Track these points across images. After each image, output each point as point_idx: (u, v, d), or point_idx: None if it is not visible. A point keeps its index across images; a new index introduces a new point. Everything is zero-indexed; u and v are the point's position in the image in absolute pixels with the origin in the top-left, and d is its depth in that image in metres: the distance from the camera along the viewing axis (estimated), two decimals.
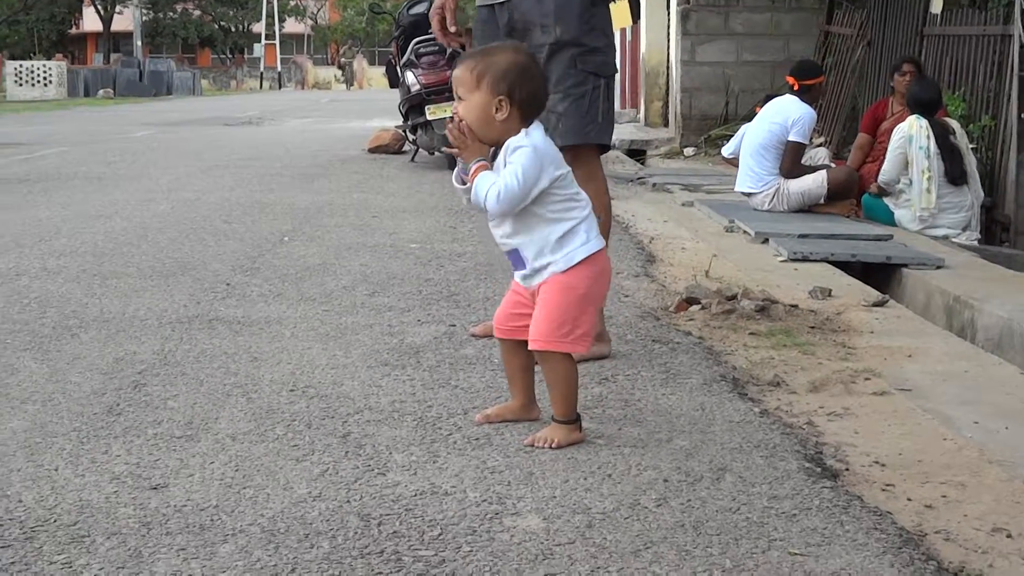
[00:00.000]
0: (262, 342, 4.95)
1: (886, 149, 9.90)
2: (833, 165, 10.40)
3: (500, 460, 3.51)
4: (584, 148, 4.81)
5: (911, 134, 9.36)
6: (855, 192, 9.97)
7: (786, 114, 9.86)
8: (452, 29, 5.06)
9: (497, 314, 3.88)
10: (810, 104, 9.96)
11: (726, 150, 11.39)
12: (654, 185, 12.10)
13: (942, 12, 12.09)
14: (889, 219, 9.47)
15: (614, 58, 4.96)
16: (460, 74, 3.73)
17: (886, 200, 9.60)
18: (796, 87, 9.98)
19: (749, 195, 9.96)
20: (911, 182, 9.35)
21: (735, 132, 12.06)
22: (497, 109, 3.67)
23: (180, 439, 3.67)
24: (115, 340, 4.96)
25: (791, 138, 9.81)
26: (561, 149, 4.49)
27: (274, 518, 3.04)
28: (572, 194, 3.75)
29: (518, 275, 3.80)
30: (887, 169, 9.51)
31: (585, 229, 3.74)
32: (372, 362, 4.63)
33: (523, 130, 3.70)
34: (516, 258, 3.78)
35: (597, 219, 3.88)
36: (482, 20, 4.96)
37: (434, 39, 5.24)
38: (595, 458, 3.55)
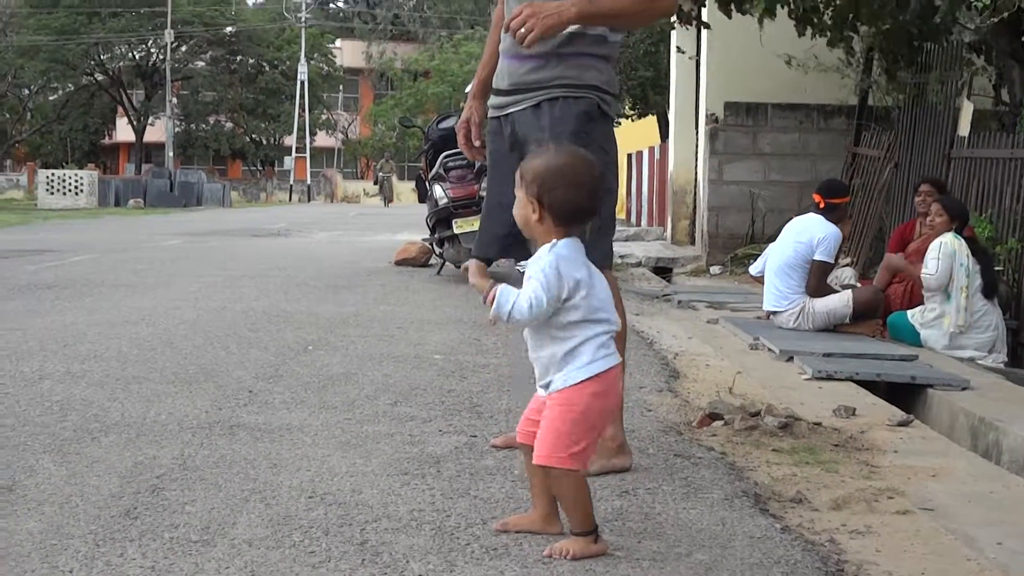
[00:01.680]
0: (282, 449, 4.94)
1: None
2: (859, 285, 10.40)
3: (518, 571, 3.48)
4: None
5: (954, 249, 9.29)
6: (880, 312, 9.94)
7: (811, 233, 9.88)
8: (477, 144, 5.11)
9: (521, 419, 3.89)
10: (835, 223, 9.97)
11: (754, 269, 11.39)
12: (679, 302, 12.10)
13: (969, 135, 12.14)
14: (915, 340, 9.43)
15: (615, 174, 4.93)
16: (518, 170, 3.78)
17: (912, 320, 9.55)
18: (822, 205, 10.01)
19: (774, 314, 9.95)
20: (949, 297, 9.29)
21: (762, 251, 12.08)
22: (533, 211, 3.69)
23: (196, 543, 3.65)
24: (135, 444, 4.95)
25: (817, 257, 9.82)
26: None
27: None
28: (588, 311, 3.73)
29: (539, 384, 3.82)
30: (940, 275, 9.30)
31: (593, 347, 3.72)
32: (392, 471, 4.61)
33: (553, 240, 3.71)
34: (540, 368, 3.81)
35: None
36: (492, 130, 4.99)
37: (462, 153, 5.26)
38: (614, 571, 3.52)
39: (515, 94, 4.81)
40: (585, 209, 3.75)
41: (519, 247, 4.80)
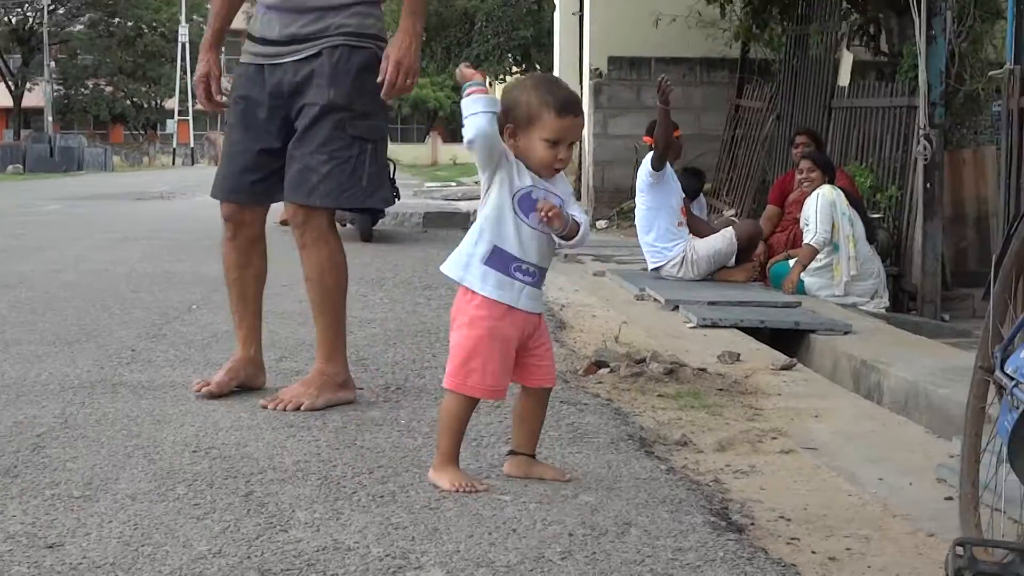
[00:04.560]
0: (166, 405, 4.88)
1: (794, 219, 10.00)
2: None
3: (405, 516, 3.48)
4: (315, 212, 4.88)
5: (833, 199, 9.37)
6: (757, 246, 10.04)
7: (642, 171, 10.03)
8: (218, 98, 5.11)
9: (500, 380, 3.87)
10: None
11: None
12: (565, 256, 12.12)
13: (849, 85, 12.28)
14: (799, 288, 9.53)
15: (386, 121, 5.01)
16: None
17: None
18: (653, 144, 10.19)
19: (658, 268, 9.96)
20: (837, 248, 9.37)
21: None
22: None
23: (78, 499, 3.60)
24: (15, 405, 4.86)
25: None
26: (296, 210, 4.86)
27: (172, 574, 2.98)
28: None
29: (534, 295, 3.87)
30: (824, 229, 9.35)
31: None
32: (277, 424, 4.58)
33: None
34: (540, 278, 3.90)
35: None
36: (247, 76, 4.97)
37: None
38: (500, 514, 3.52)
39: (291, 44, 4.84)
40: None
41: (268, 192, 4.99)
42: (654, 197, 9.94)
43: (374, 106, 4.86)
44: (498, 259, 3.79)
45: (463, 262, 3.82)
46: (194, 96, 5.23)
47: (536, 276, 3.83)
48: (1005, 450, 2.61)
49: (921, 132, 10.04)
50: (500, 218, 3.79)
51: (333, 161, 4.78)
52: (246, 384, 5.13)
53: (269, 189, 5.00)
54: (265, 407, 4.80)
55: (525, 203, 3.78)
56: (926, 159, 9.99)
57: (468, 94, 3.73)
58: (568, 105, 3.78)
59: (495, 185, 3.81)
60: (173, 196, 25.14)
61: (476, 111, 3.70)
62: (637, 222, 10.24)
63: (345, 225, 13.59)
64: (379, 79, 4.72)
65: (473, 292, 3.80)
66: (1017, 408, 2.67)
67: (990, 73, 9.95)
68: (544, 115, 3.74)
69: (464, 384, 3.81)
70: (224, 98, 5.12)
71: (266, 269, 5.23)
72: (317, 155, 4.77)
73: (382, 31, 4.90)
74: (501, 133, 3.76)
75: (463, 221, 14.70)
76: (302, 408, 4.76)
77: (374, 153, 4.88)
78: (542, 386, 3.93)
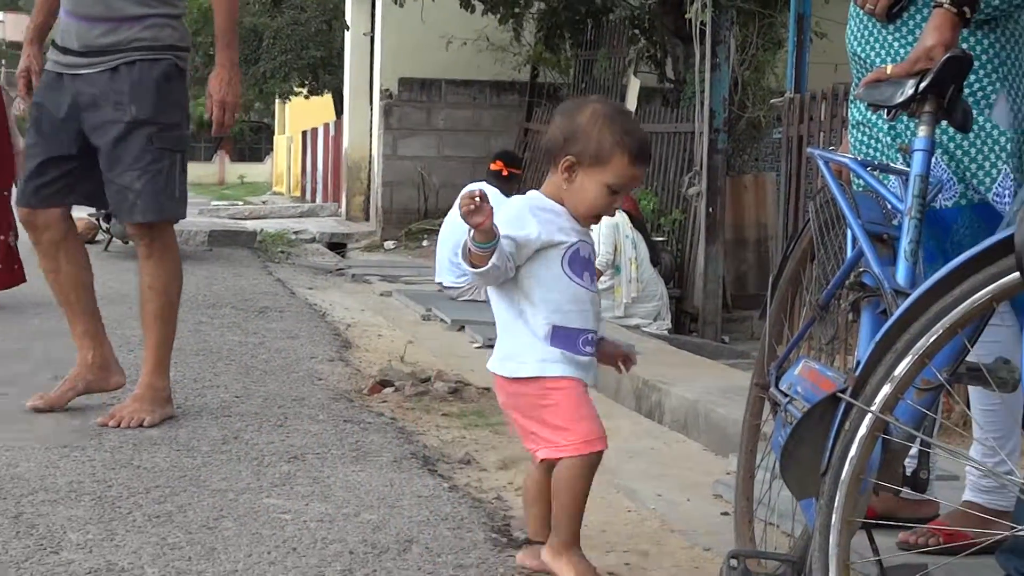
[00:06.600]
0: None
1: None
2: None
3: (181, 536, 3.40)
4: (159, 224, 4.87)
5: (616, 222, 9.49)
6: None
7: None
8: None
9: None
10: (508, 195, 10.13)
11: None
12: (353, 276, 12.09)
13: (636, 110, 12.48)
14: None
15: (188, 130, 5.01)
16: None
17: None
18: (506, 173, 10.19)
19: (448, 288, 9.99)
20: (619, 270, 9.50)
21: (436, 227, 12.16)
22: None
23: None
24: None
25: None
26: (138, 226, 4.74)
27: None
28: None
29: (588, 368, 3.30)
30: (607, 251, 9.46)
31: None
32: (51, 443, 4.44)
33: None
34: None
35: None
36: (49, 83, 4.89)
37: None
38: (280, 533, 3.47)
39: (88, 56, 4.79)
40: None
41: (57, 196, 4.90)
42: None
43: (178, 117, 4.86)
44: (563, 338, 3.21)
45: (525, 354, 3.21)
46: None
47: (596, 345, 3.31)
48: (778, 465, 2.65)
49: (693, 170, 10.31)
50: (550, 289, 3.19)
51: (146, 176, 4.75)
52: (93, 389, 5.06)
53: (58, 193, 4.92)
54: (105, 424, 4.70)
55: (576, 263, 3.21)
56: (689, 195, 10.26)
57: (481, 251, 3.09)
58: (645, 150, 3.23)
59: (530, 262, 3.21)
60: None
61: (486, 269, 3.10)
62: (448, 235, 10.14)
63: (126, 243, 13.34)
64: (207, 116, 4.76)
65: (549, 377, 3.20)
66: (791, 424, 2.72)
67: (771, 101, 10.20)
68: (616, 158, 3.15)
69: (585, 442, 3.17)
70: None
71: (83, 272, 5.07)
72: (130, 172, 4.74)
73: (181, 40, 4.86)
74: (552, 161, 3.25)
75: (249, 240, 14.54)
76: (144, 425, 4.72)
77: (182, 163, 4.90)
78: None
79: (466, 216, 3.02)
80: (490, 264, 3.07)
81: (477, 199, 3.00)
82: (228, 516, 3.62)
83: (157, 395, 4.87)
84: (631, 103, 12.63)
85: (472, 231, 3.06)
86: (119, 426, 4.69)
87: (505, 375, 3.25)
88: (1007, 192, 3.18)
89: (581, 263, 3.21)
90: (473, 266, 3.10)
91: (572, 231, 3.21)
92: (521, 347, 3.20)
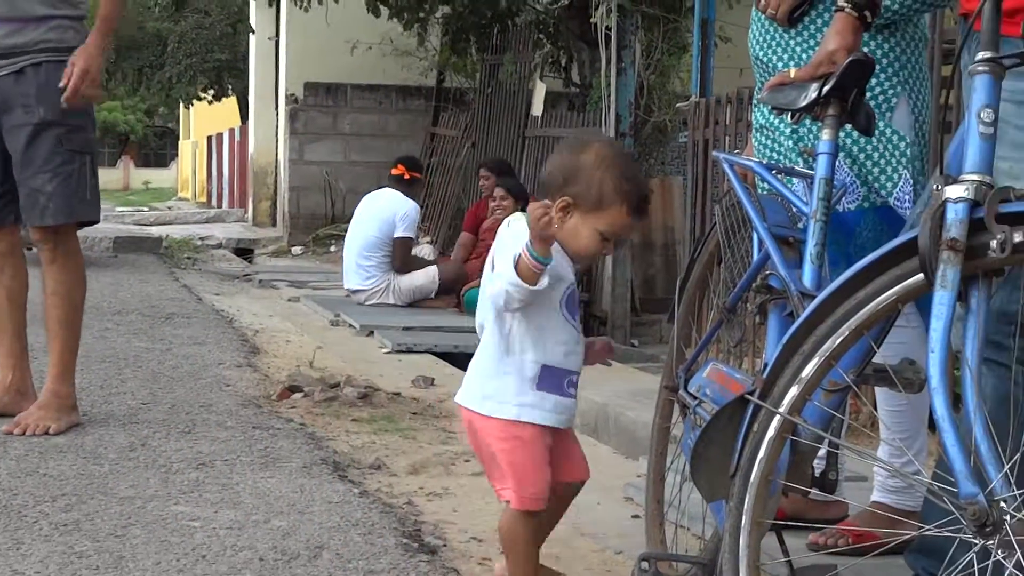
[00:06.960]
0: None
1: (488, 247, 10.11)
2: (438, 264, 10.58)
3: (89, 545, 3.37)
4: (63, 229, 4.81)
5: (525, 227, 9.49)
6: (461, 286, 10.15)
7: (393, 209, 9.99)
8: None
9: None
10: (413, 199, 10.16)
11: None
12: (261, 282, 12.03)
13: (542, 114, 12.51)
14: None
15: (95, 133, 4.96)
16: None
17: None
18: (407, 176, 10.18)
19: (356, 292, 9.98)
20: None
21: (342, 231, 12.10)
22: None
23: None
24: None
25: (400, 234, 9.95)
26: (43, 230, 4.66)
27: None
28: None
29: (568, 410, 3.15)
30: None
31: None
32: None
33: None
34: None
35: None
36: None
37: None
38: (189, 540, 3.45)
39: None
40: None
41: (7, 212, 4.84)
42: (391, 237, 9.96)
43: (85, 119, 4.82)
44: (549, 379, 3.06)
45: (507, 395, 3.05)
46: None
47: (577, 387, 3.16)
48: (688, 468, 2.68)
49: None
50: (543, 328, 3.05)
51: (57, 178, 4.70)
52: (6, 412, 4.90)
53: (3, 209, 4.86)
54: (10, 432, 4.64)
55: (571, 304, 3.10)
56: None
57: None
58: (645, 202, 3.07)
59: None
60: None
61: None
62: (353, 240, 10.11)
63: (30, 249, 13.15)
64: (62, 83, 4.60)
65: (521, 421, 3.04)
66: (700, 426, 2.74)
67: (677, 105, 10.25)
68: (615, 208, 3.00)
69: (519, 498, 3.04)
70: None
71: (22, 292, 5.00)
72: (41, 175, 4.69)
73: (83, 43, 4.76)
74: (546, 195, 3.07)
75: (155, 246, 14.42)
76: (50, 432, 4.66)
77: (92, 165, 4.85)
78: (580, 479, 3.25)
79: (543, 227, 2.89)
80: (544, 281, 2.93)
81: (552, 211, 2.93)
82: (136, 524, 3.59)
83: (62, 402, 4.82)
84: (537, 108, 12.66)
85: (533, 243, 2.91)
86: (24, 434, 4.63)
87: (483, 413, 3.07)
88: (907, 197, 3.23)
89: (574, 304, 3.11)
90: (522, 280, 2.92)
91: (570, 270, 3.09)
92: (504, 389, 3.05)
